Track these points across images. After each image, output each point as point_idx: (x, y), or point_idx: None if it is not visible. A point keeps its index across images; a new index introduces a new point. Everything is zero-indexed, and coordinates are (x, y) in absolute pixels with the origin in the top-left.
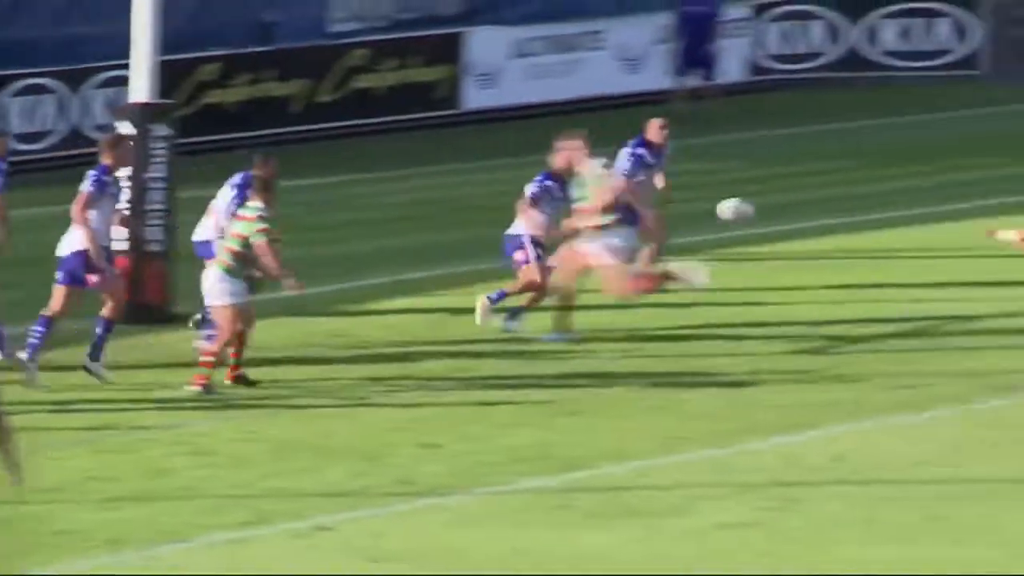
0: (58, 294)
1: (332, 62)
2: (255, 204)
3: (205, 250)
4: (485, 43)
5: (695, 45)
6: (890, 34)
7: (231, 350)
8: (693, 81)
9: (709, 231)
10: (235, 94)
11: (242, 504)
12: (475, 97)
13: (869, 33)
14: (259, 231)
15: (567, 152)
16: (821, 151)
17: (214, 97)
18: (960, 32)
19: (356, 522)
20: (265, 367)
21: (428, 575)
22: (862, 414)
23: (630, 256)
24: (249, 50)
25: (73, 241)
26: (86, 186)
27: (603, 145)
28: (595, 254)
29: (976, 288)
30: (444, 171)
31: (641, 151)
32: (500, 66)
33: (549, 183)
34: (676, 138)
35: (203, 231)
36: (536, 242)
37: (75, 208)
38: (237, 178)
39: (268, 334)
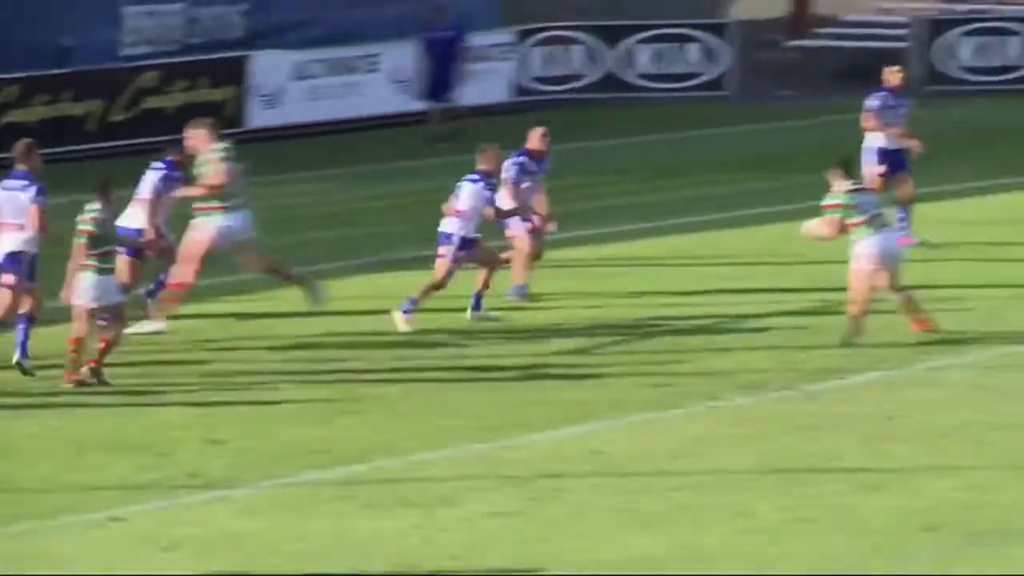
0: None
1: (125, 83)
2: (92, 206)
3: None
4: (268, 66)
5: (441, 69)
6: (644, 58)
7: (98, 345)
8: (445, 103)
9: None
10: (34, 114)
11: (41, 497)
12: (259, 116)
13: (625, 57)
14: (79, 232)
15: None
16: (583, 167)
17: (15, 116)
18: (709, 56)
19: (147, 513)
20: (60, 368)
21: (215, 571)
22: (620, 411)
23: (231, 243)
24: (47, 72)
25: (9, 244)
26: (37, 200)
27: (376, 161)
28: (201, 237)
29: (725, 294)
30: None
31: (523, 159)
32: (282, 87)
33: (484, 181)
34: (440, 156)
35: (130, 219)
36: (464, 244)
37: (38, 224)
38: (160, 163)
39: (65, 335)
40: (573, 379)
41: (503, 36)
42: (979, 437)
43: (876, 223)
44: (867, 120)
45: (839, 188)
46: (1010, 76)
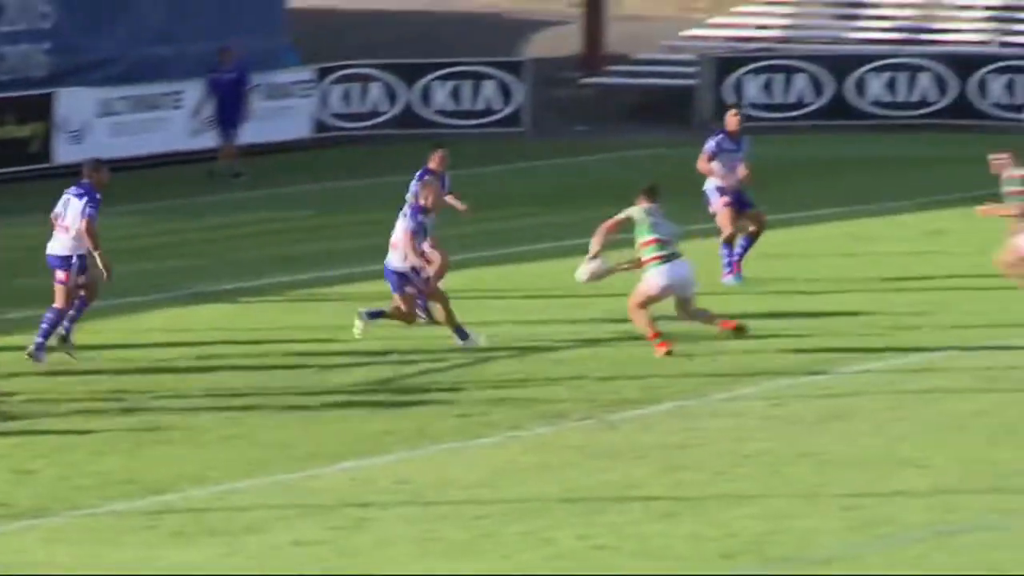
0: None
1: None
2: None
3: (56, 262)
4: (74, 102)
5: (226, 108)
6: (442, 95)
7: None
8: (230, 141)
9: (279, 274)
10: None
11: None
12: (66, 152)
13: (423, 94)
14: None
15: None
16: (382, 202)
17: None
18: (505, 93)
19: None
20: None
21: None
22: (424, 440)
23: None
24: None
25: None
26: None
27: (180, 196)
28: None
29: (525, 325)
30: (41, 220)
31: (428, 178)
32: (88, 123)
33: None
34: (228, 192)
35: (57, 245)
36: (416, 271)
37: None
38: (74, 189)
39: None
40: (378, 409)
41: (303, 74)
42: (773, 466)
43: (666, 248)
44: (702, 163)
45: (641, 206)
46: (797, 113)
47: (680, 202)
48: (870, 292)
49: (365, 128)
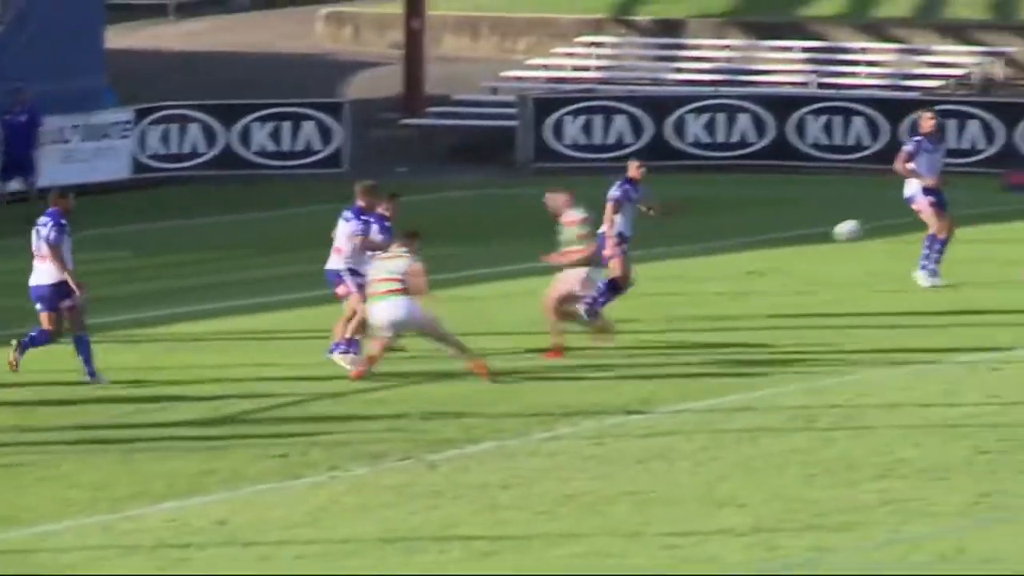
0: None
1: None
2: None
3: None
4: None
5: (16, 151)
6: (261, 136)
7: None
8: (16, 185)
9: (97, 315)
10: None
11: None
12: None
13: (242, 134)
14: None
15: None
16: (201, 242)
17: None
18: (325, 134)
19: None
20: None
21: None
22: (243, 481)
23: None
24: None
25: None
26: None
27: None
28: None
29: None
30: None
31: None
32: None
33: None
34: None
35: (39, 275)
36: (354, 272)
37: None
38: (41, 219)
39: None
40: (196, 449)
41: (121, 115)
42: (594, 505)
43: (387, 286)
44: (610, 209)
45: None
46: (617, 153)
47: (501, 244)
48: (691, 331)
49: (184, 169)
